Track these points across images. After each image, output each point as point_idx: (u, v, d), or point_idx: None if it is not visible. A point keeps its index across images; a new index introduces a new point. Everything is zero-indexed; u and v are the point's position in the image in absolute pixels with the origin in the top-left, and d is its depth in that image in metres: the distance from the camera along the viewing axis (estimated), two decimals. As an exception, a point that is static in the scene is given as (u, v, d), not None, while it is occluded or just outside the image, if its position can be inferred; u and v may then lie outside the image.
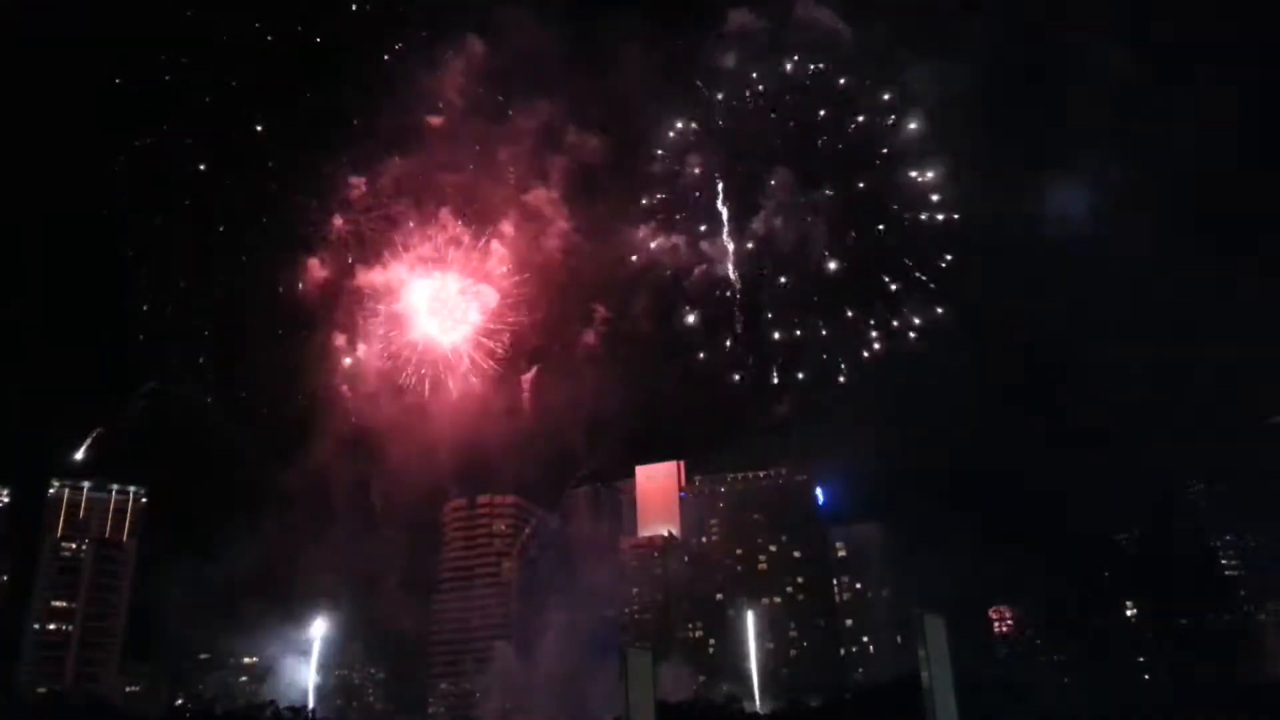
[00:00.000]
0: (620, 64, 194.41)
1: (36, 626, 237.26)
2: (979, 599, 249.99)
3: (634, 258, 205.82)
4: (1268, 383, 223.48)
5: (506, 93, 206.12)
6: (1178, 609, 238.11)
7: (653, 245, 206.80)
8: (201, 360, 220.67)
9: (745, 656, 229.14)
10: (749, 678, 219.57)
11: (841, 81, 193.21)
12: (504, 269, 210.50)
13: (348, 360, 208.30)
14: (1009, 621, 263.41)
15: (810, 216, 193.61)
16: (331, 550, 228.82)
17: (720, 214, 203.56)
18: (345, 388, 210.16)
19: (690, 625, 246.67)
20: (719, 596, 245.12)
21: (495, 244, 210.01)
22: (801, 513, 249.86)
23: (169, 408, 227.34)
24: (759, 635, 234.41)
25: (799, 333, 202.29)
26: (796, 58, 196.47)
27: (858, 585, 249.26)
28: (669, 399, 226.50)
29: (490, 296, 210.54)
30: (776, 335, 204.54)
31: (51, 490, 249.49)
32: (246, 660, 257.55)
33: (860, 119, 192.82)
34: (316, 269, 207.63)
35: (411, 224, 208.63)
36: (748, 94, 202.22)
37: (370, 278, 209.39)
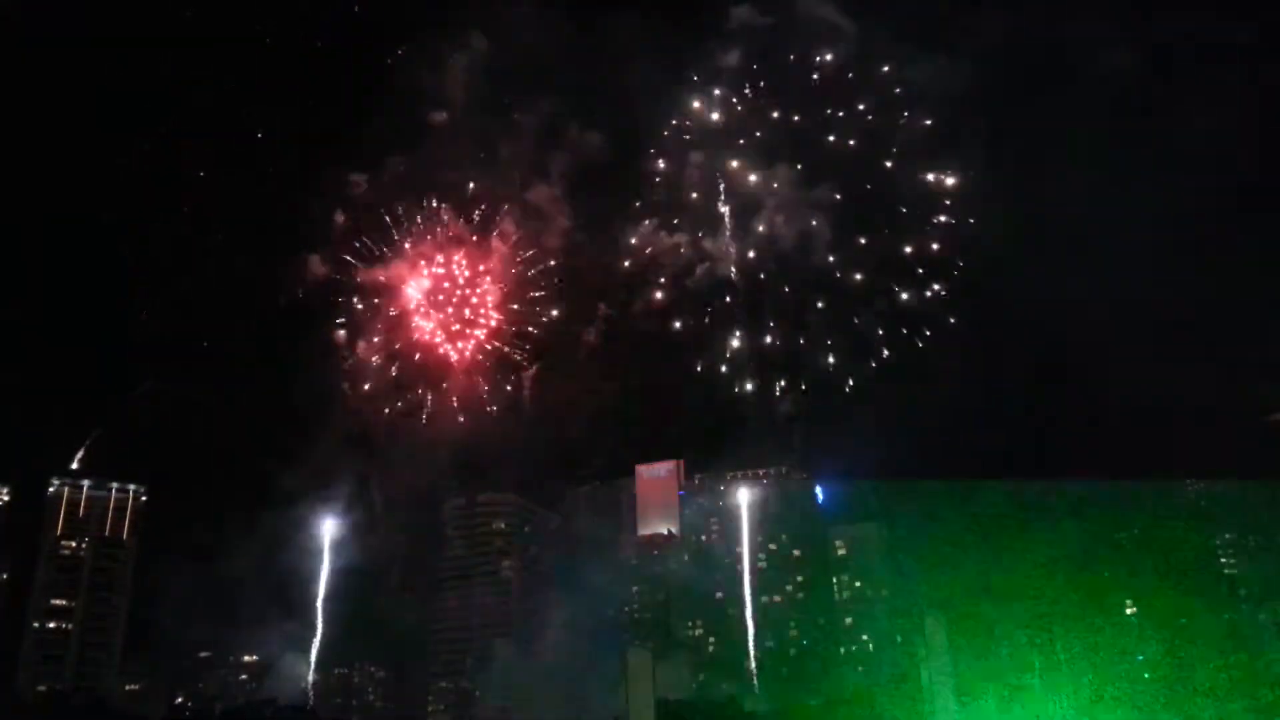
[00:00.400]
0: (622, 61, 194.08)
1: (36, 625, 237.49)
2: (979, 598, 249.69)
3: (632, 258, 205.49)
4: (1268, 382, 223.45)
5: (508, 90, 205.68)
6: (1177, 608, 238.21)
7: (652, 245, 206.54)
8: (201, 359, 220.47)
9: (745, 655, 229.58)
10: (749, 676, 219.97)
11: (850, 75, 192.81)
12: (505, 266, 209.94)
13: (349, 358, 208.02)
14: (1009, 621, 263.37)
15: (815, 218, 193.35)
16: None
17: (722, 213, 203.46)
18: (346, 385, 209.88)
19: (690, 624, 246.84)
20: (719, 595, 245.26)
21: (496, 242, 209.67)
22: (801, 512, 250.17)
23: (169, 406, 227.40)
24: (759, 634, 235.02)
25: (802, 341, 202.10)
26: (798, 55, 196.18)
27: (857, 584, 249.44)
28: (669, 398, 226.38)
29: (492, 294, 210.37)
30: (779, 336, 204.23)
31: (51, 488, 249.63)
32: (247, 659, 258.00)
33: (869, 117, 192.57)
34: (317, 266, 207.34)
35: (413, 222, 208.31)
36: (748, 90, 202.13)
37: (372, 274, 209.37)
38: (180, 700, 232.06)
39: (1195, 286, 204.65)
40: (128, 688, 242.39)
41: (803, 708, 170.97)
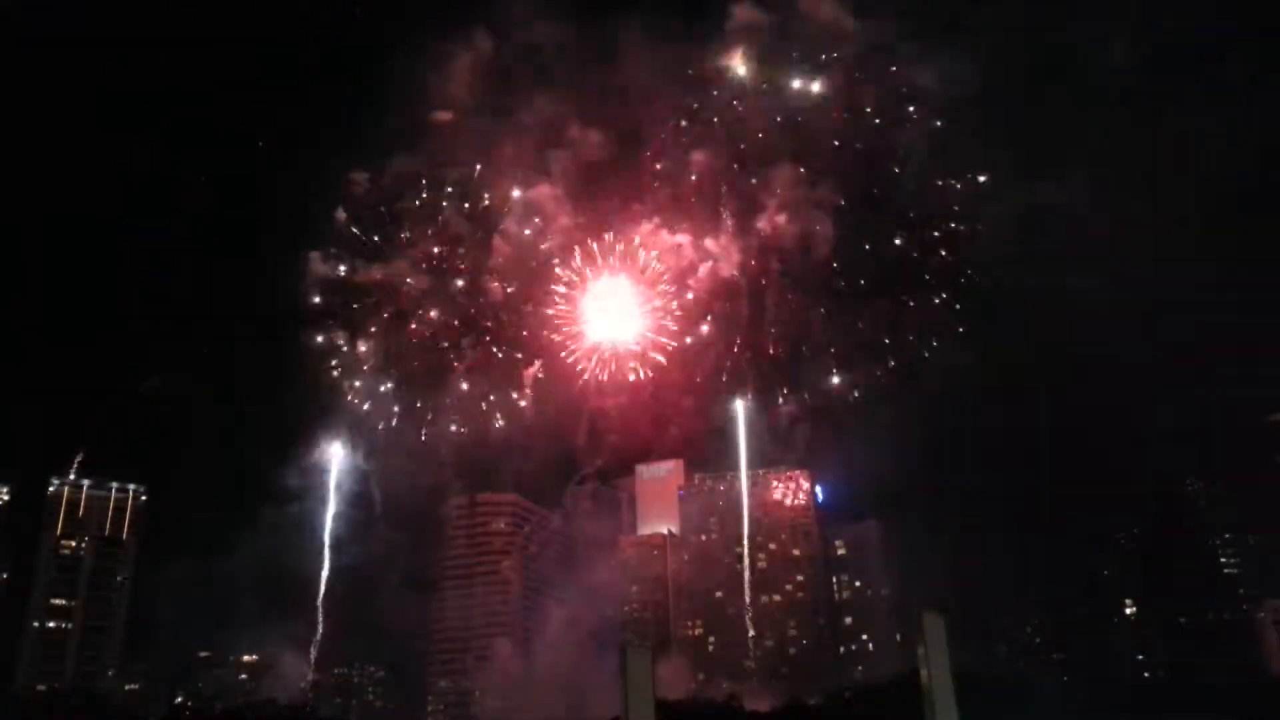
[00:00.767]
0: (624, 59, 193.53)
1: (36, 624, 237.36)
2: (979, 598, 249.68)
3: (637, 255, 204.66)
4: (1268, 382, 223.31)
5: (511, 87, 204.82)
6: (1178, 608, 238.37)
7: (653, 245, 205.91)
8: (202, 357, 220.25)
9: (745, 654, 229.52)
10: (749, 675, 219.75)
11: (858, 75, 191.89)
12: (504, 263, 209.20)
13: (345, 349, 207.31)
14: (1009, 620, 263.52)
15: (818, 219, 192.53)
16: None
17: (724, 212, 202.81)
18: (347, 383, 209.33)
19: (690, 623, 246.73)
20: (719, 594, 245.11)
21: (498, 240, 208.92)
22: (802, 512, 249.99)
23: (169, 406, 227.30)
24: (758, 633, 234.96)
25: (804, 346, 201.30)
26: (801, 52, 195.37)
27: (857, 583, 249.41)
28: (670, 397, 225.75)
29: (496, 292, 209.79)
30: (780, 335, 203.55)
31: (51, 488, 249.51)
32: (247, 658, 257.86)
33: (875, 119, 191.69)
34: (318, 264, 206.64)
35: (414, 220, 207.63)
36: (749, 89, 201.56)
37: (372, 274, 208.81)
38: (180, 700, 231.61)
39: (1196, 287, 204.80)
40: (127, 687, 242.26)
41: (803, 707, 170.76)
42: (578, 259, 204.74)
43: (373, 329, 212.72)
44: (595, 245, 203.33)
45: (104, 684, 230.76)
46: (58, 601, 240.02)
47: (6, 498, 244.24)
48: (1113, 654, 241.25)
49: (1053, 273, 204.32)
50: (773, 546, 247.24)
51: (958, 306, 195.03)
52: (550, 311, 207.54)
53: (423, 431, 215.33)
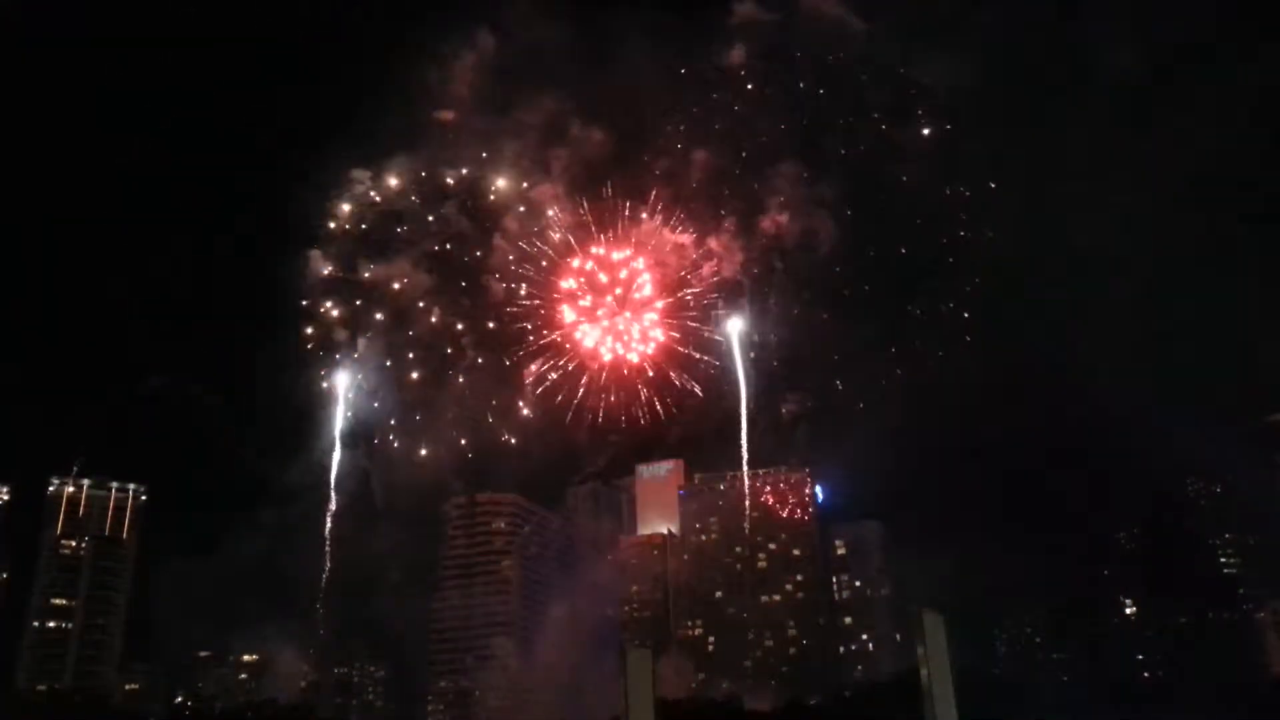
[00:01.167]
0: (626, 57, 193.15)
1: (36, 624, 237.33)
2: (979, 598, 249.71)
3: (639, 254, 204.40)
4: (1268, 382, 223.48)
5: (513, 86, 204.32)
6: (1178, 608, 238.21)
7: (654, 244, 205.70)
8: (202, 356, 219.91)
9: (745, 654, 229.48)
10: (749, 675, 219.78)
11: (863, 78, 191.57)
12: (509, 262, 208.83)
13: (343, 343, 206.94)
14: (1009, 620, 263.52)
15: (821, 220, 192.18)
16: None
17: (726, 211, 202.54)
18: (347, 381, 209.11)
19: (690, 623, 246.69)
20: (718, 594, 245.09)
21: (498, 239, 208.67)
22: (801, 512, 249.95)
23: (169, 405, 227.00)
24: (758, 633, 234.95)
25: (806, 344, 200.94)
26: (804, 51, 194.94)
27: (857, 583, 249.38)
28: (672, 396, 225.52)
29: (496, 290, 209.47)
30: (783, 335, 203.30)
31: (51, 487, 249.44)
32: (247, 658, 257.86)
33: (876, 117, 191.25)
34: (319, 262, 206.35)
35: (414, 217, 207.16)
36: (751, 88, 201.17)
37: (373, 271, 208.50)
38: (180, 700, 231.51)
39: (1196, 287, 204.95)
40: (127, 686, 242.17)
41: (803, 707, 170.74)
42: (579, 259, 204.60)
43: (373, 328, 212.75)
44: (595, 246, 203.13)
45: (104, 684, 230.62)
46: (58, 601, 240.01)
47: (6, 498, 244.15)
48: (1113, 654, 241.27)
49: (1054, 274, 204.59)
50: (773, 546, 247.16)
51: (964, 315, 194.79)
52: (551, 311, 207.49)
53: (423, 431, 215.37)
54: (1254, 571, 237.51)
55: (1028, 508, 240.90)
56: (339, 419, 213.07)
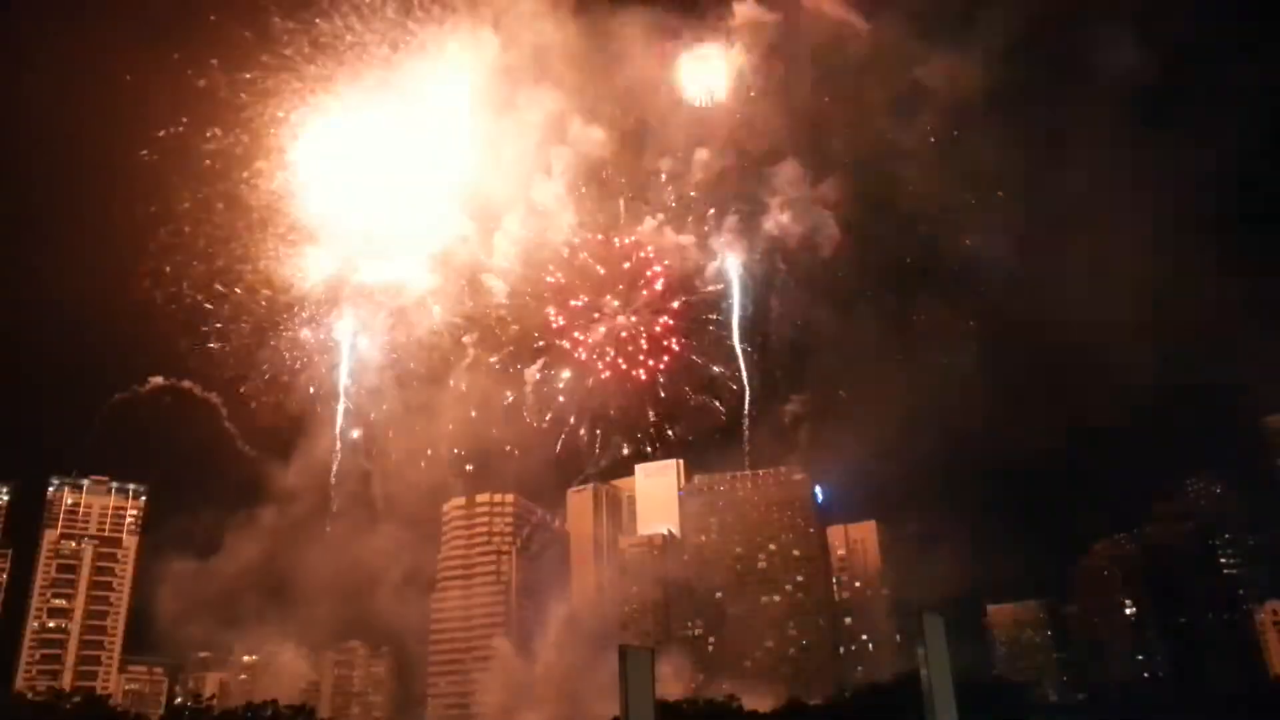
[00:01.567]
0: (628, 57, 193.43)
1: (36, 625, 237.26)
2: (979, 598, 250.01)
3: (641, 254, 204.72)
4: (1268, 382, 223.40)
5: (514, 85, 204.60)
6: (1178, 608, 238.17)
7: (654, 245, 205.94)
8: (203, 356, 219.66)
9: (745, 654, 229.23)
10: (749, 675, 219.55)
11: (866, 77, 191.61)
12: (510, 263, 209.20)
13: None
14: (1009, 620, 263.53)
15: (823, 220, 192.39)
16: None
17: (727, 211, 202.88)
18: (348, 382, 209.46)
19: (690, 623, 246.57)
20: (719, 595, 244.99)
21: (499, 238, 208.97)
22: (802, 512, 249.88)
23: (170, 405, 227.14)
24: (758, 633, 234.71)
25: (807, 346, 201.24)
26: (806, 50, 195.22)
27: (857, 583, 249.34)
28: (672, 397, 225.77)
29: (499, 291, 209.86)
30: (786, 334, 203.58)
31: (51, 488, 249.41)
32: (246, 658, 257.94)
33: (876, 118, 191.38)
34: (319, 261, 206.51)
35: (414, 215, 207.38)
36: (751, 92, 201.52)
37: (375, 271, 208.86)
38: (179, 700, 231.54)
39: (1197, 287, 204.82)
40: (127, 687, 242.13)
41: (803, 707, 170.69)
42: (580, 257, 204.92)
43: (374, 327, 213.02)
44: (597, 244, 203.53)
45: (104, 684, 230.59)
46: (58, 601, 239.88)
47: (6, 498, 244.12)
48: (1113, 654, 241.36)
49: (1054, 274, 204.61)
50: (773, 547, 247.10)
51: (965, 316, 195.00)
52: (552, 310, 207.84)
53: (423, 431, 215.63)
54: (1254, 572, 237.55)
55: (1028, 508, 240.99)
56: (339, 419, 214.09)
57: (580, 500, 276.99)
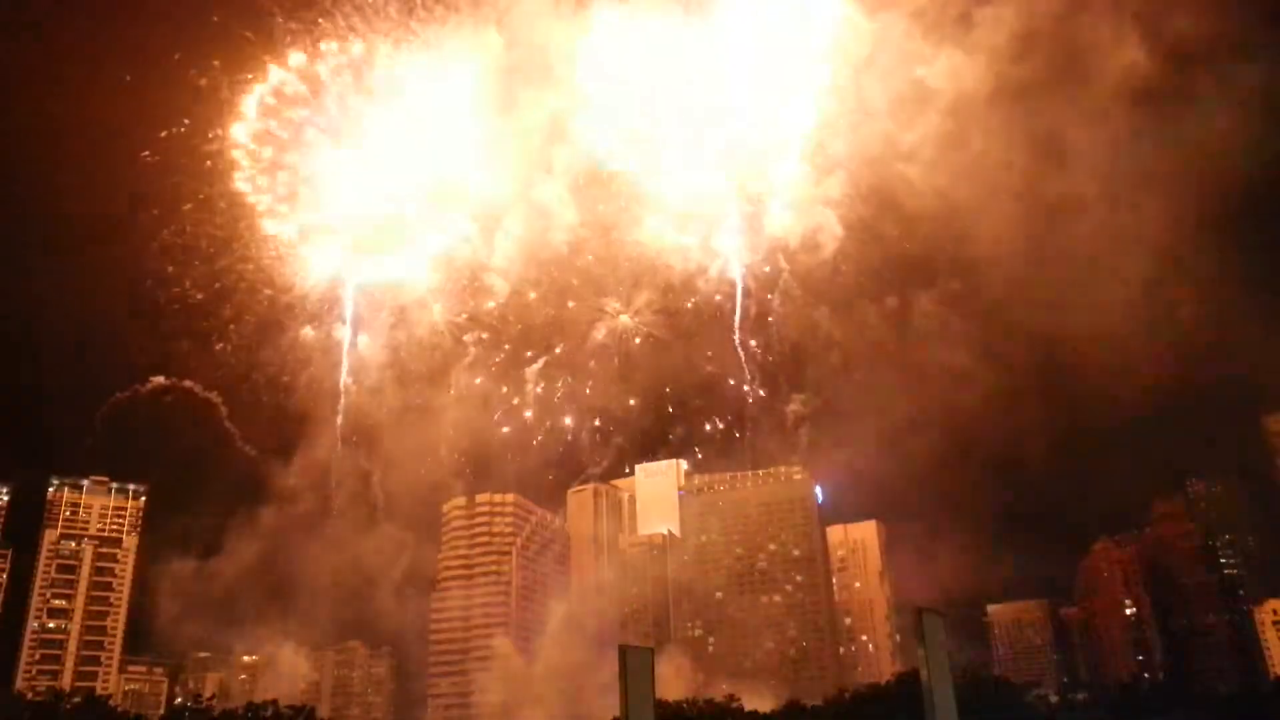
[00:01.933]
0: (626, 57, 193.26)
1: (36, 625, 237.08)
2: (979, 598, 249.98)
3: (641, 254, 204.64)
4: (1268, 382, 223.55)
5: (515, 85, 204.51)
6: (1177, 608, 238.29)
7: (657, 245, 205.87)
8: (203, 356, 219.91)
9: (745, 654, 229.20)
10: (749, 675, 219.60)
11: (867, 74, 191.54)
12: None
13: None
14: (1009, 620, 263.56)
15: (824, 219, 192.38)
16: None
17: (729, 210, 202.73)
18: (349, 381, 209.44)
19: (690, 623, 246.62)
20: (719, 595, 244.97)
21: (500, 237, 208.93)
22: (802, 512, 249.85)
23: (170, 405, 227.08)
24: (758, 633, 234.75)
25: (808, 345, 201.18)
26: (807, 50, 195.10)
27: (857, 583, 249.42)
28: (673, 397, 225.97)
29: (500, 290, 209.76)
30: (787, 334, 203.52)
31: (51, 488, 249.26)
32: (246, 658, 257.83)
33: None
34: (319, 260, 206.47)
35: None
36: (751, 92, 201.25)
37: (374, 270, 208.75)
38: (179, 700, 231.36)
39: (1198, 287, 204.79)
40: (127, 687, 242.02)
41: (802, 708, 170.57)
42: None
43: (375, 327, 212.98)
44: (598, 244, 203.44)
45: (104, 684, 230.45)
46: (58, 602, 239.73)
47: (6, 498, 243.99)
48: (1113, 654, 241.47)
49: (1056, 274, 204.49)
50: (773, 547, 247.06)
51: (965, 317, 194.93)
52: (552, 310, 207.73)
53: (423, 431, 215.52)
54: (1253, 573, 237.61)
55: (1028, 508, 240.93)
56: (339, 419, 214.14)
57: (580, 500, 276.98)
